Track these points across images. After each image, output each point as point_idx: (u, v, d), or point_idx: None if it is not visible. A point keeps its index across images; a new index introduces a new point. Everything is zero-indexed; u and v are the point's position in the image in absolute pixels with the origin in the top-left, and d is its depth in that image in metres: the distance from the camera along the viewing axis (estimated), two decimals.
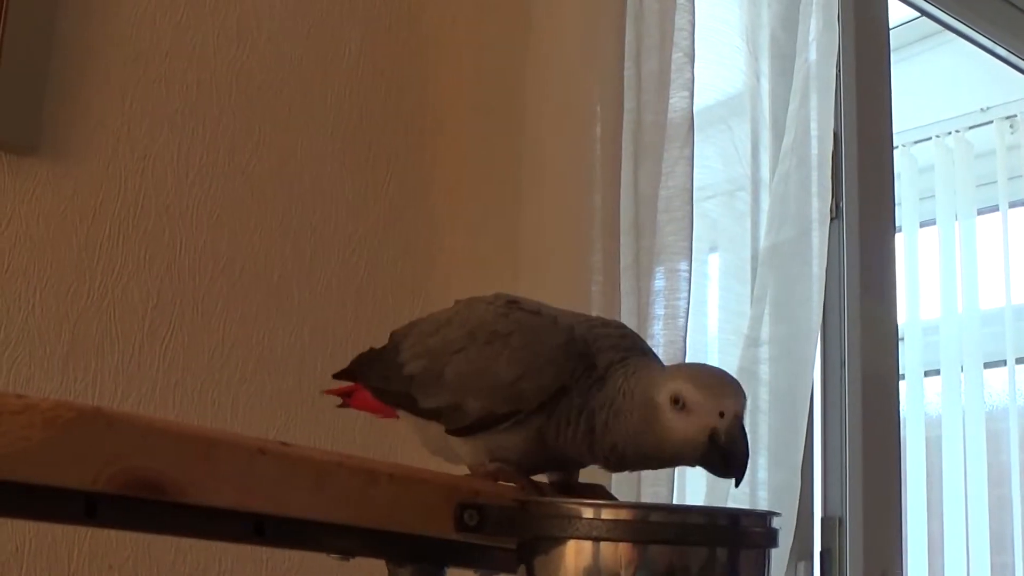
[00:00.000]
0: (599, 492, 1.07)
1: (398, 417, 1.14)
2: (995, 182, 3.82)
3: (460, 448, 1.05)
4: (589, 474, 1.10)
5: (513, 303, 1.05)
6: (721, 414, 0.92)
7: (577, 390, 0.98)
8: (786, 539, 2.04)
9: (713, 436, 0.92)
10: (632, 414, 0.95)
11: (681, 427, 0.93)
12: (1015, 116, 3.80)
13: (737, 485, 0.96)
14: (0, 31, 1.43)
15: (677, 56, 1.86)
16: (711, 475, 1.99)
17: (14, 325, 1.42)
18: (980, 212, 3.83)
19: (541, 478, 1.05)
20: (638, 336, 1.06)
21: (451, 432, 1.04)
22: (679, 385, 0.93)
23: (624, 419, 0.95)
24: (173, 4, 1.62)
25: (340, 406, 1.23)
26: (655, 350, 1.37)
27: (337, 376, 1.20)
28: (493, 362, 1.00)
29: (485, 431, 1.02)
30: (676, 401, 0.93)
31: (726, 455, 0.93)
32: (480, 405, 1.01)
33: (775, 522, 0.88)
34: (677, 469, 1.76)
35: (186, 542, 1.47)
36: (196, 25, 1.64)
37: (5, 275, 1.43)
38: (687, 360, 1.78)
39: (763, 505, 2.05)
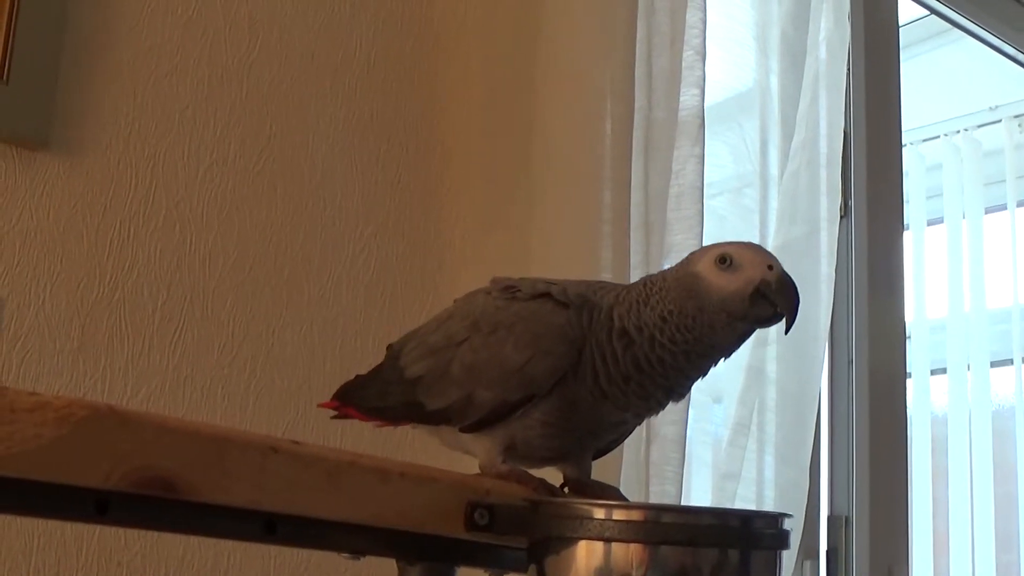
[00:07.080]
0: (611, 493, 1.06)
1: (402, 424, 1.14)
2: (1003, 181, 3.82)
3: (473, 446, 1.05)
4: (600, 475, 1.10)
5: (510, 289, 1.05)
6: (770, 267, 0.99)
7: (593, 335, 0.99)
8: (793, 538, 2.03)
9: (762, 286, 0.98)
10: (668, 293, 0.99)
11: (727, 282, 0.98)
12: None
13: (788, 329, 1.02)
14: (12, 27, 1.43)
15: (688, 54, 1.86)
16: (716, 474, 1.98)
17: (25, 320, 1.42)
18: (988, 211, 3.82)
19: (555, 477, 1.05)
20: None
21: (464, 429, 1.04)
22: (723, 250, 1.00)
23: (659, 302, 0.99)
24: None
25: (335, 418, 1.19)
26: None
27: (325, 405, 1.17)
28: (500, 349, 1.01)
29: (500, 422, 1.02)
30: (723, 261, 0.98)
31: (780, 295, 0.99)
32: (492, 395, 1.01)
33: (786, 523, 0.88)
34: (684, 467, 1.76)
35: (194, 539, 1.47)
36: (207, 20, 1.64)
37: (16, 270, 1.43)
38: None
39: (769, 504, 2.04)
